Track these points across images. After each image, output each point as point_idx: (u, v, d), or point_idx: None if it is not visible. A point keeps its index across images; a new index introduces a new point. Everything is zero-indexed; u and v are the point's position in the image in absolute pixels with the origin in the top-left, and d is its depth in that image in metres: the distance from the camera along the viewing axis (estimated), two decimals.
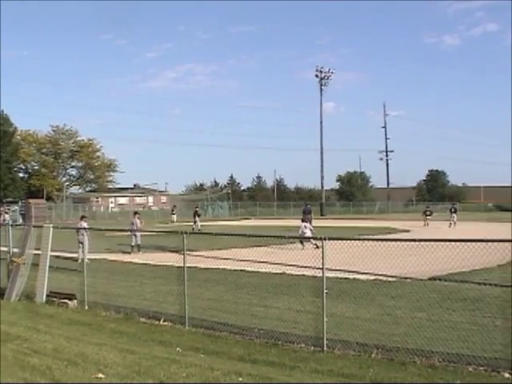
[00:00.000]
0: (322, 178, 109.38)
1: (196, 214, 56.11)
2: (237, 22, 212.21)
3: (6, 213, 74.86)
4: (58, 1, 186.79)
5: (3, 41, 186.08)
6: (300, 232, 32.95)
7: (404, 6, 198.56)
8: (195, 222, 54.29)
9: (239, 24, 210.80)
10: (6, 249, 19.72)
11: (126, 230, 34.14)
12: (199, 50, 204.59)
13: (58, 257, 22.90)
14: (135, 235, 32.01)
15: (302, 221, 41.43)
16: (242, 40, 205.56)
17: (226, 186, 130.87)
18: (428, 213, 60.11)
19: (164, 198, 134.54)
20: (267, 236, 19.53)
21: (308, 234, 32.41)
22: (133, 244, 32.24)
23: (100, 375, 9.91)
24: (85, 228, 26.57)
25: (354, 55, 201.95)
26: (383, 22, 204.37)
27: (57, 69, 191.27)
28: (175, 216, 73.61)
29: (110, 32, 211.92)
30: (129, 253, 31.52)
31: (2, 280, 19.54)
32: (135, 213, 35.57)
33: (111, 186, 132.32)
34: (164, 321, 14.70)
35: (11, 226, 20.56)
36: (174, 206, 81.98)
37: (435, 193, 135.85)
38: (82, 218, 30.14)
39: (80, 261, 24.36)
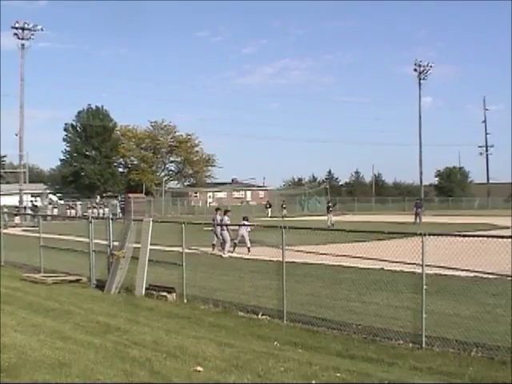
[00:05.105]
0: (421, 173, 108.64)
1: (329, 209, 54.45)
2: (332, 17, 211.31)
3: (106, 206, 76.73)
4: (153, 0, 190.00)
5: (102, 40, 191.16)
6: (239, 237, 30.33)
7: None
8: (329, 217, 51.68)
9: (334, 19, 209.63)
10: (106, 242, 20.14)
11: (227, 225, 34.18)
12: (294, 45, 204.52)
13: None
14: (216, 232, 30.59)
15: (416, 215, 43.54)
16: (337, 35, 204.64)
17: (323, 181, 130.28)
18: None
19: (262, 193, 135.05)
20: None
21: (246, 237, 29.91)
22: (214, 243, 31.02)
23: (199, 368, 10.04)
24: (226, 224, 27.28)
25: (451, 48, 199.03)
26: (479, 14, 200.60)
27: (154, 66, 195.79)
28: (270, 210, 75.96)
29: (206, 29, 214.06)
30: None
31: (102, 273, 20.01)
32: (217, 209, 34.51)
33: (209, 181, 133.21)
34: (262, 315, 14.77)
35: (111, 219, 20.93)
36: (268, 201, 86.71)
37: None
38: (226, 212, 30.32)
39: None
